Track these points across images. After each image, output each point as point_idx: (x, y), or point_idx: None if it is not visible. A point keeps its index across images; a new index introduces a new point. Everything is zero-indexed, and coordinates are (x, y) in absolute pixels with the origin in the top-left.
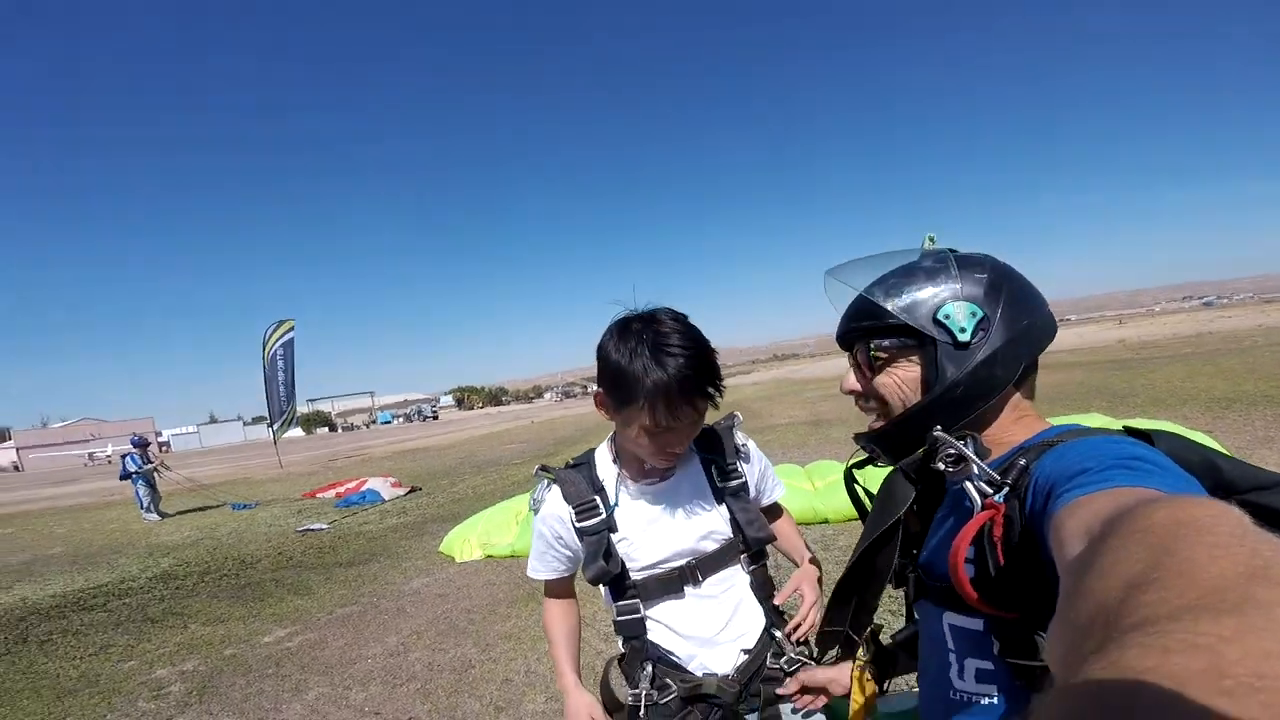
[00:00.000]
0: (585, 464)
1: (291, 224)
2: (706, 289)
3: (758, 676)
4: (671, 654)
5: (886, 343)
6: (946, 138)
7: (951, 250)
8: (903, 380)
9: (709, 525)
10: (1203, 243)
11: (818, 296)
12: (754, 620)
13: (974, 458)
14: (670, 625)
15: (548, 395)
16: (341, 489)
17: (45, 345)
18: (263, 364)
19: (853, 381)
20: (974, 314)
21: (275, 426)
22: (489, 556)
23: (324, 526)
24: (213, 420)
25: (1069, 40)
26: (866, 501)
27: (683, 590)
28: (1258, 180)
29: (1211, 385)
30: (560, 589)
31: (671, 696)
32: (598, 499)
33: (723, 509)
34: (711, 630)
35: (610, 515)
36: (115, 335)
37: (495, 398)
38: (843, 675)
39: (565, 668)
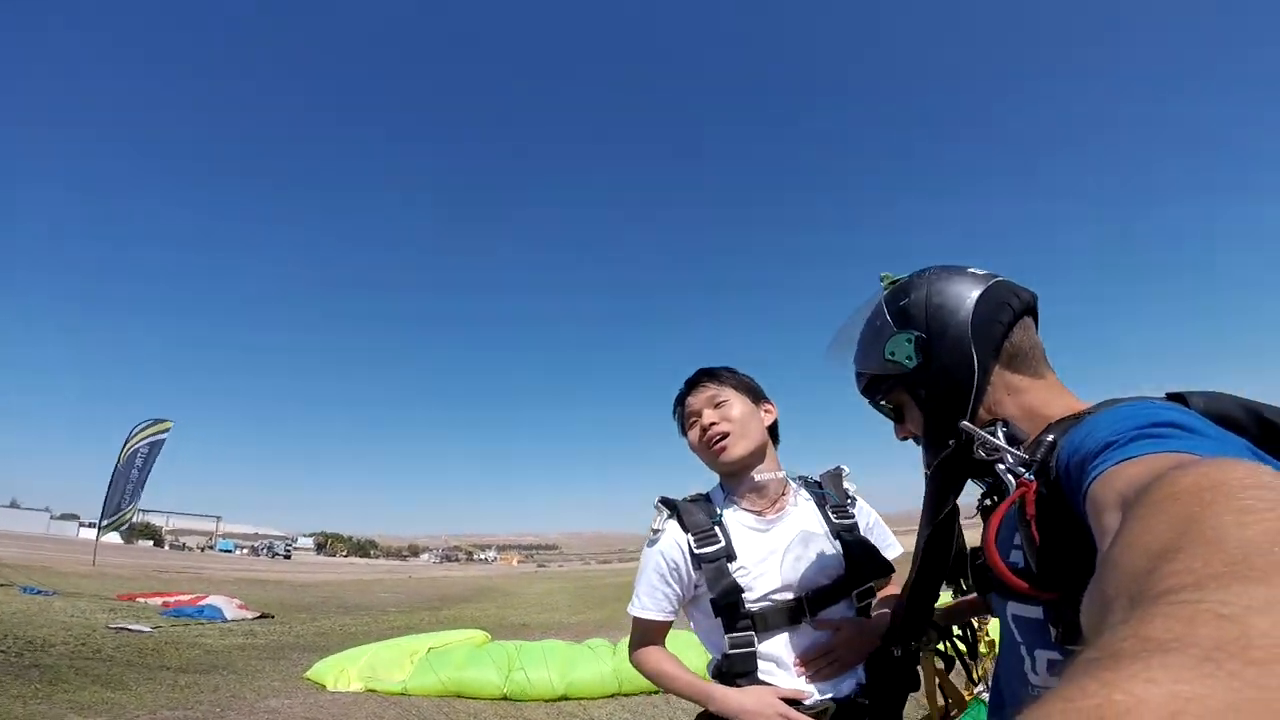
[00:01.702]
0: (703, 498)
1: (159, 314)
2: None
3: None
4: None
5: (880, 396)
6: None
7: (894, 281)
8: (911, 417)
9: (824, 559)
10: None
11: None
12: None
13: (1002, 444)
14: (783, 660)
15: (425, 556)
16: (172, 599)
17: None
18: (118, 457)
19: (898, 433)
20: (909, 340)
21: (105, 523)
22: (372, 690)
23: (146, 629)
24: (14, 505)
25: None
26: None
27: (799, 622)
28: None
29: None
30: (657, 635)
31: None
32: (716, 529)
33: (837, 543)
34: (820, 663)
35: (729, 544)
36: None
37: (363, 549)
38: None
39: (702, 684)
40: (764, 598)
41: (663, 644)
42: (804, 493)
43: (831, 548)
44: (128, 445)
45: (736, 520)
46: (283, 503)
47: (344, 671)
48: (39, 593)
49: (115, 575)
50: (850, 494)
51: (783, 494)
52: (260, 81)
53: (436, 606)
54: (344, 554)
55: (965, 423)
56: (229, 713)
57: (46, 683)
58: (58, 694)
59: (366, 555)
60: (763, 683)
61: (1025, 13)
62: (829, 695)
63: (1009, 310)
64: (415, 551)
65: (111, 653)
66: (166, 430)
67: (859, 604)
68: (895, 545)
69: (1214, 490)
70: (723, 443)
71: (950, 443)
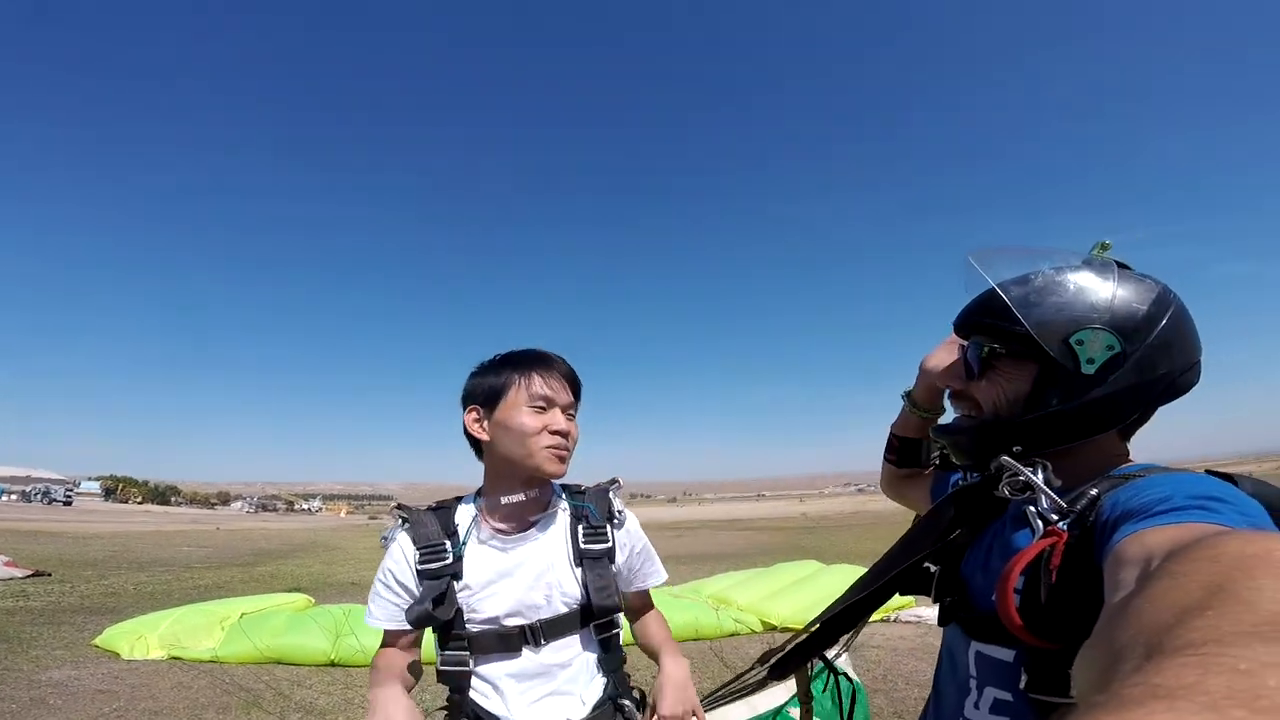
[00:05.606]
0: (445, 509)
1: None
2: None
3: None
4: (493, 714)
5: (1001, 346)
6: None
7: (1121, 265)
8: (1005, 391)
9: (560, 586)
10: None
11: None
12: (592, 690)
13: (1043, 485)
14: (497, 684)
15: (238, 504)
16: None
17: None
18: None
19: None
20: (1110, 348)
21: None
22: (176, 659)
23: None
24: None
25: None
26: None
27: (520, 650)
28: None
29: (873, 546)
30: (396, 639)
31: None
32: (448, 543)
33: (579, 572)
34: (541, 695)
35: (458, 561)
36: None
37: (162, 495)
38: None
39: (374, 697)
40: (488, 620)
41: (408, 649)
42: (565, 508)
43: (572, 574)
44: None
45: (475, 536)
46: (62, 443)
47: (141, 639)
48: None
49: None
50: (616, 511)
51: (541, 511)
52: None
53: (250, 562)
54: (139, 500)
55: (1006, 458)
56: (3, 686)
57: None
58: None
59: (166, 503)
60: (472, 701)
61: None
62: None
63: (1188, 389)
64: (225, 500)
65: None
66: None
67: (599, 635)
68: (657, 574)
69: (1256, 559)
70: (563, 459)
71: (992, 467)
